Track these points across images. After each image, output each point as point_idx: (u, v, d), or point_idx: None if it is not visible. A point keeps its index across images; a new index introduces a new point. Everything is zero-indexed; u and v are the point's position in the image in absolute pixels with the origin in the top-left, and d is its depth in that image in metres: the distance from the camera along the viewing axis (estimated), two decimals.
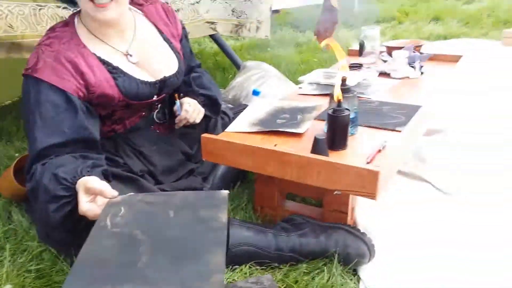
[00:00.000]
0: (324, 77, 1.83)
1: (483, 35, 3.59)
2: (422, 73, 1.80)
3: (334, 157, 1.19)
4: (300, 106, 1.55)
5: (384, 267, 1.22)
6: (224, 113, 1.77)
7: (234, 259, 1.27)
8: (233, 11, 2.28)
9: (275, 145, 1.26)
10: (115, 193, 1.01)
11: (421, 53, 1.87)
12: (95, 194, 1.03)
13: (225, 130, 1.41)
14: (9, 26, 1.48)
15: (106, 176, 1.18)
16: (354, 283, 1.21)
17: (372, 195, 1.09)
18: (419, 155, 1.75)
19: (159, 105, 1.51)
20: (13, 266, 1.29)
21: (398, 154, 1.20)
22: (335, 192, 1.26)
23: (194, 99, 1.52)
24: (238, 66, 2.51)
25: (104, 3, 1.21)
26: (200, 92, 1.55)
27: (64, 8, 1.71)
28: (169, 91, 1.47)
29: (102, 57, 1.30)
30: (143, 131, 1.48)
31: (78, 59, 1.24)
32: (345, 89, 1.29)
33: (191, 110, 1.47)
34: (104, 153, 1.29)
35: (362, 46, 1.98)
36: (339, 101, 1.21)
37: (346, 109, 1.23)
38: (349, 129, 1.31)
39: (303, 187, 1.37)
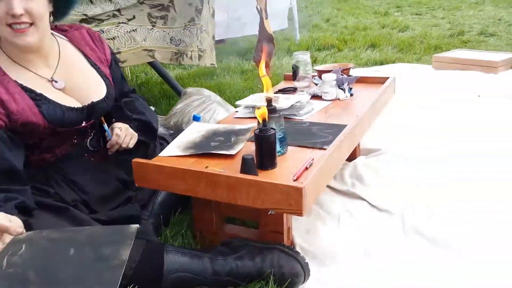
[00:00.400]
0: (260, 100, 1.88)
1: (416, 60, 3.82)
2: (351, 94, 1.89)
3: (263, 176, 1.22)
4: (235, 128, 1.58)
5: (323, 286, 1.24)
6: (163, 139, 1.78)
7: (170, 286, 1.25)
8: (171, 40, 2.31)
9: (206, 167, 1.28)
10: (19, 230, 0.99)
11: (349, 76, 1.97)
12: (0, 231, 1.00)
13: (159, 154, 1.41)
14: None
15: (25, 208, 1.14)
16: None
17: (298, 212, 1.12)
18: (356, 174, 1.82)
19: (91, 132, 1.49)
20: None
21: (325, 170, 1.24)
22: (269, 212, 1.28)
23: (127, 124, 1.52)
24: (179, 93, 2.53)
25: (23, 29, 1.21)
26: (133, 117, 1.55)
27: None
28: (98, 116, 1.46)
29: (24, 84, 1.28)
30: (76, 159, 1.45)
31: None
32: (271, 110, 1.34)
33: (122, 134, 1.46)
34: (30, 184, 1.26)
35: (295, 71, 2.06)
36: (263, 121, 1.25)
37: (272, 128, 1.27)
38: (279, 148, 1.35)
39: (240, 210, 1.40)
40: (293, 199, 1.11)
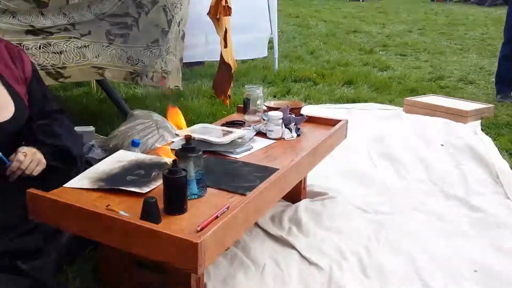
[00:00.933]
0: (203, 132, 1.76)
1: (389, 101, 3.76)
2: (298, 135, 1.78)
3: (166, 223, 1.09)
4: (160, 162, 1.45)
5: None
6: (90, 164, 1.63)
7: None
8: (128, 59, 2.20)
9: (107, 206, 1.14)
10: None
11: (299, 115, 1.87)
12: None
13: (64, 185, 1.27)
14: None
15: None
16: None
17: (193, 269, 0.98)
18: (295, 219, 1.69)
19: None
20: None
21: (238, 220, 1.11)
22: None
23: (38, 149, 1.37)
24: (125, 114, 2.40)
25: None
26: (46, 142, 1.39)
27: None
28: (1, 138, 1.31)
29: None
30: None
31: None
32: (189, 149, 1.21)
33: (26, 160, 1.31)
34: None
35: (246, 104, 1.95)
36: (174, 161, 1.12)
37: (183, 169, 1.14)
38: (196, 190, 1.22)
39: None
40: (188, 255, 0.98)
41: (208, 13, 2.31)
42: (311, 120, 1.95)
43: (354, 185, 2.00)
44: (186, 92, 3.69)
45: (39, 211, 1.17)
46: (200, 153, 1.23)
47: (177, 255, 0.99)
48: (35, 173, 1.33)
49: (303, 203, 1.78)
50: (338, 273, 1.33)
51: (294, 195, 1.86)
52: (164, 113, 2.35)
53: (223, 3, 2.23)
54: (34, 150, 1.34)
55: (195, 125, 1.89)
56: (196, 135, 1.74)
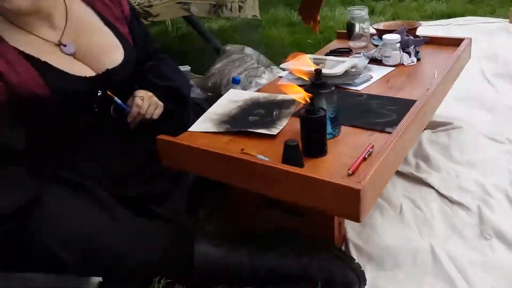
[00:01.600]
0: (307, 65, 1.62)
1: (490, 13, 3.34)
2: (418, 59, 1.59)
3: (310, 167, 1.00)
4: (277, 99, 1.36)
5: None
6: (198, 105, 1.57)
7: (201, 279, 1.10)
8: None
9: (242, 150, 1.07)
10: None
11: (416, 37, 1.66)
12: None
13: (189, 129, 1.22)
14: None
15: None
16: None
17: (354, 217, 0.90)
18: (421, 153, 1.55)
19: (116, 99, 1.28)
20: None
21: (388, 163, 1.00)
22: None
23: (151, 92, 1.30)
24: (217, 50, 2.29)
25: None
26: (159, 84, 1.31)
27: None
28: (115, 84, 1.24)
29: (26, 51, 1.08)
30: (100, 130, 1.26)
31: None
32: (320, 84, 1.09)
33: (145, 104, 1.23)
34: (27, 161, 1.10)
35: (350, 28, 1.77)
36: (311, 100, 1.01)
37: (322, 108, 1.03)
38: (330, 129, 1.12)
39: None
40: (347, 202, 0.89)
41: None
42: (431, 41, 1.73)
43: (477, 112, 1.79)
44: (263, 22, 3.50)
45: (172, 157, 1.13)
46: (333, 88, 1.11)
47: (334, 202, 0.91)
48: (155, 116, 1.27)
49: (425, 135, 1.63)
50: (489, 213, 1.20)
51: None
52: (251, 45, 2.23)
53: None
54: (149, 93, 1.27)
55: (297, 57, 1.75)
56: (305, 68, 1.61)
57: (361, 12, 1.78)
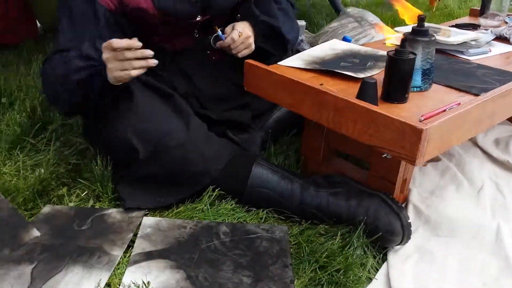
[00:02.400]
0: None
1: None
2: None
3: (383, 108, 0.97)
4: (377, 53, 1.32)
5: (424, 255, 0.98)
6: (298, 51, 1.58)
7: (252, 200, 1.15)
8: None
9: (320, 84, 1.08)
10: (139, 44, 0.99)
11: None
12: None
13: (279, 62, 1.25)
14: None
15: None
16: (377, 262, 1.01)
17: (411, 159, 0.86)
18: None
19: (219, 29, 1.35)
20: (56, 155, 1.34)
21: (467, 120, 0.93)
22: (384, 155, 1.03)
23: (252, 26, 1.32)
24: (338, 12, 2.27)
25: None
26: (260, 18, 1.32)
27: None
28: (214, 12, 1.29)
29: None
30: (195, 54, 1.34)
31: None
32: (420, 31, 1.03)
33: (239, 41, 1.26)
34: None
35: (484, 4, 1.62)
36: (403, 41, 0.97)
37: (412, 52, 0.98)
38: (420, 82, 1.06)
39: (352, 144, 1.17)
40: (408, 142, 0.86)
41: None
42: None
43: None
44: None
45: (255, 82, 1.18)
46: (434, 38, 1.05)
47: (394, 141, 0.88)
48: (240, 55, 1.29)
49: None
50: None
51: None
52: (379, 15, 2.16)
53: None
54: (249, 33, 1.29)
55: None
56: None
57: None
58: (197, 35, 1.33)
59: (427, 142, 0.84)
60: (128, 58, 1.00)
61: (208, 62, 1.36)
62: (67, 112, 1.27)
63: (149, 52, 1.02)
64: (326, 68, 1.19)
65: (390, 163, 1.07)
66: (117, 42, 1.00)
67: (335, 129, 1.01)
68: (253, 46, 1.30)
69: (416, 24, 1.06)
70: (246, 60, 1.18)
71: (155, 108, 1.17)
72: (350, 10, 2.05)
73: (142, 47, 1.04)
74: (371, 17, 2.01)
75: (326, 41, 1.94)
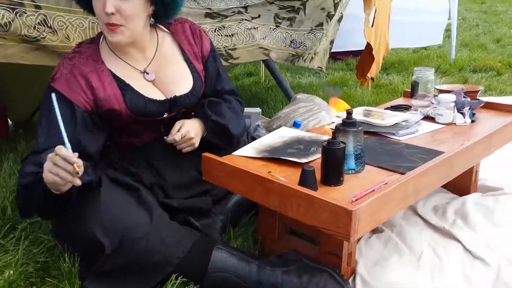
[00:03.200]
0: (362, 114, 1.74)
1: None
2: (472, 121, 1.61)
3: (322, 192, 1.11)
4: (321, 139, 1.49)
5: None
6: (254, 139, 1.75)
7: (213, 285, 1.24)
8: (291, 42, 2.29)
9: (269, 172, 1.22)
10: (79, 162, 1.06)
11: (475, 99, 1.69)
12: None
13: (233, 153, 1.40)
14: (66, 38, 1.66)
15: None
16: None
17: (346, 237, 0.99)
18: (462, 212, 1.55)
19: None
20: (25, 255, 1.39)
21: (393, 198, 1.08)
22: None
23: (203, 123, 1.49)
24: (289, 98, 2.50)
25: (113, 27, 1.27)
26: (211, 117, 1.49)
27: None
28: (180, 110, 1.48)
29: (117, 74, 1.36)
30: (160, 146, 1.49)
31: (91, 74, 1.32)
32: (350, 123, 1.21)
33: (181, 141, 1.43)
34: (101, 165, 1.35)
35: (414, 87, 1.85)
36: (334, 133, 1.14)
37: (342, 142, 1.15)
38: (353, 165, 1.22)
39: (303, 223, 1.30)
40: (341, 222, 0.99)
41: None
42: (490, 106, 1.75)
43: None
44: (350, 82, 3.67)
45: (212, 172, 1.31)
46: (361, 128, 1.22)
47: (331, 221, 1.01)
48: (183, 151, 1.46)
49: (472, 197, 1.62)
50: (508, 272, 1.18)
51: (463, 187, 1.70)
52: (326, 100, 2.39)
53: None
54: (192, 135, 1.43)
55: (357, 108, 1.87)
56: (357, 117, 1.72)
57: (426, 72, 1.86)
58: (163, 129, 1.48)
59: (358, 221, 0.98)
60: (58, 165, 1.07)
61: (172, 152, 1.50)
62: (40, 215, 1.33)
63: (79, 169, 1.08)
64: (273, 156, 1.34)
65: (336, 240, 1.19)
66: (59, 149, 1.08)
67: (282, 212, 1.14)
68: (196, 145, 1.46)
69: (346, 116, 1.24)
70: (203, 154, 1.32)
71: (121, 202, 1.27)
72: (300, 96, 2.28)
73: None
74: (320, 101, 2.23)
75: (280, 125, 2.14)
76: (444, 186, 1.74)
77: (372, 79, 2.22)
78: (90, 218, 1.20)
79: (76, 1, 1.39)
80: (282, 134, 1.55)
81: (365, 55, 2.35)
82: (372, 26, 2.25)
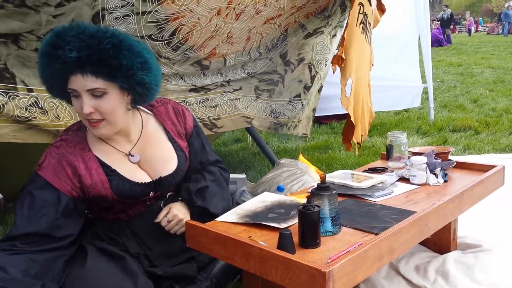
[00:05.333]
0: (343, 177, 1.81)
1: None
2: (446, 180, 1.69)
3: (300, 254, 1.16)
4: (301, 202, 1.55)
5: None
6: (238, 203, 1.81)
7: None
8: (271, 112, 2.43)
9: (249, 237, 1.27)
10: None
11: (447, 160, 1.78)
12: None
13: (216, 219, 1.45)
14: (56, 117, 1.76)
15: None
16: None
17: None
18: (443, 270, 1.59)
19: (167, 194, 1.58)
20: None
21: (368, 258, 1.12)
22: None
23: (189, 207, 1.57)
24: (273, 163, 2.59)
25: (95, 123, 1.35)
26: (197, 203, 1.57)
27: None
28: (165, 189, 1.55)
29: (103, 160, 1.43)
30: (146, 218, 1.54)
31: (78, 163, 1.38)
32: (324, 187, 1.28)
33: (170, 225, 1.51)
34: (73, 246, 1.39)
35: (389, 150, 1.95)
36: (309, 197, 1.20)
37: (316, 205, 1.21)
38: (330, 227, 1.28)
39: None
40: (317, 283, 1.03)
41: (331, 62, 2.40)
42: (462, 165, 1.84)
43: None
44: (335, 145, 3.79)
45: (195, 238, 1.35)
46: (334, 192, 1.29)
47: (308, 283, 1.05)
48: (178, 233, 1.53)
49: (452, 255, 1.66)
50: None
51: (443, 246, 1.75)
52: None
53: (339, 53, 2.31)
54: (181, 217, 1.52)
55: (337, 171, 1.95)
56: (336, 180, 1.80)
57: (400, 136, 1.96)
58: (149, 203, 1.54)
59: (332, 282, 1.02)
60: None
61: (158, 224, 1.55)
62: None
63: None
64: (254, 221, 1.39)
65: None
66: None
67: (262, 276, 1.17)
68: (184, 228, 1.50)
69: (320, 181, 1.31)
70: (186, 221, 1.37)
71: (106, 271, 1.31)
72: (283, 161, 2.37)
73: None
74: (302, 165, 2.32)
75: (265, 190, 2.21)
76: (425, 245, 1.79)
77: (359, 143, 2.33)
78: (75, 285, 1.22)
79: (49, 91, 1.41)
80: (263, 199, 1.61)
81: (347, 122, 2.48)
82: (350, 94, 2.40)
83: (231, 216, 1.47)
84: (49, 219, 1.29)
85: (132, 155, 1.49)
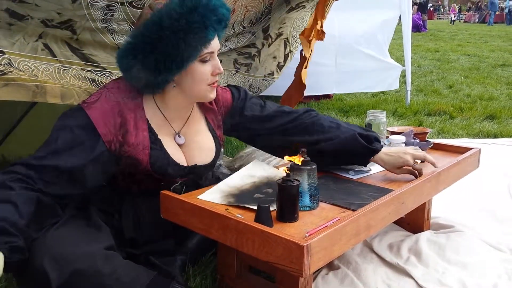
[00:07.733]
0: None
1: None
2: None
3: (277, 228, 1.15)
4: None
5: None
6: (219, 179, 1.77)
7: None
8: (250, 86, 2.39)
9: (226, 209, 1.24)
10: None
11: (424, 141, 1.79)
12: None
13: (198, 196, 1.39)
14: (34, 75, 1.65)
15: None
16: None
17: (298, 271, 1.02)
18: (415, 249, 1.61)
19: (179, 182, 1.52)
20: None
21: (345, 233, 1.12)
22: None
23: None
24: None
25: (215, 85, 1.38)
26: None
27: (88, 71, 1.88)
28: (195, 177, 1.52)
29: (152, 126, 1.37)
30: (152, 197, 1.43)
31: (130, 118, 1.31)
32: (304, 162, 1.26)
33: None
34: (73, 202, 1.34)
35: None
36: (289, 170, 1.18)
37: (296, 179, 1.19)
38: (308, 202, 1.26)
39: (260, 260, 1.31)
40: (294, 257, 1.02)
41: (301, 34, 2.38)
42: (439, 147, 1.86)
43: (487, 221, 1.82)
44: None
45: (169, 210, 1.32)
46: (314, 166, 1.28)
47: (284, 256, 1.03)
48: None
49: (425, 234, 1.68)
50: None
51: (416, 226, 1.77)
52: None
53: (318, 27, 2.29)
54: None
55: None
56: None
57: (379, 115, 1.96)
58: (163, 183, 1.46)
59: (310, 256, 1.01)
60: None
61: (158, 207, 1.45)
62: None
63: None
64: (238, 204, 1.31)
65: (292, 277, 1.21)
66: None
67: (239, 249, 1.15)
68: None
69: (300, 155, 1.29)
70: (161, 191, 1.33)
71: (77, 235, 1.24)
72: None
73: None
74: None
75: (242, 165, 2.17)
76: (398, 224, 1.81)
77: None
78: (42, 248, 1.16)
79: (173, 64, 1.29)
80: (252, 173, 1.51)
81: (293, 92, 2.48)
82: (306, 67, 2.39)
83: (214, 194, 1.40)
84: (78, 163, 1.21)
85: (179, 136, 1.45)
